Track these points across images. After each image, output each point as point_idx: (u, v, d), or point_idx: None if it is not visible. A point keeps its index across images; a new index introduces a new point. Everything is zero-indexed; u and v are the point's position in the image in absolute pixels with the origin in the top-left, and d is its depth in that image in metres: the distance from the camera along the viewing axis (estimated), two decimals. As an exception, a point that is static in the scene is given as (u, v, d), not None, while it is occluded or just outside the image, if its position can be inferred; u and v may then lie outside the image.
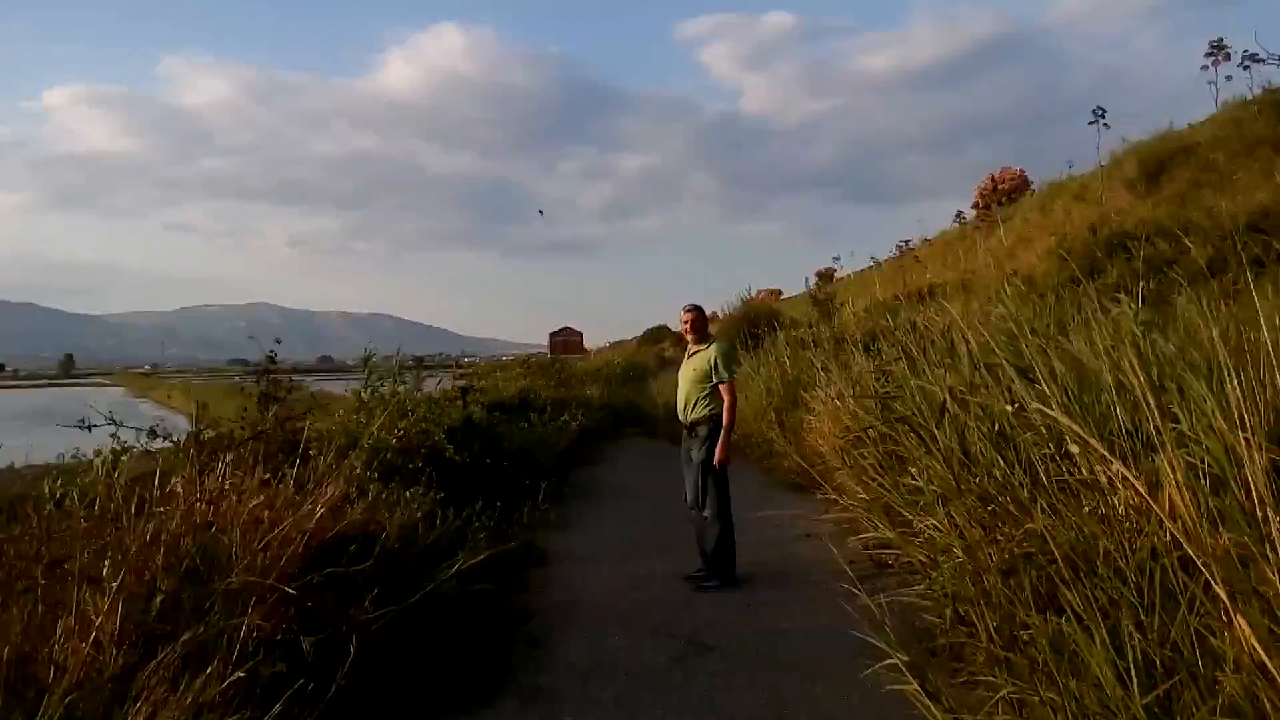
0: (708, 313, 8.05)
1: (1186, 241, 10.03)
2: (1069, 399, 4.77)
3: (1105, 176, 18.19)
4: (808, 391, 11.17)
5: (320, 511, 5.07)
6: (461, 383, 12.44)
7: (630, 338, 49.02)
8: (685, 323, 7.18)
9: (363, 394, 9.24)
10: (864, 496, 7.39)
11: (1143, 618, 3.22)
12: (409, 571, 5.24)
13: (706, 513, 6.74)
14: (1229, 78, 11.82)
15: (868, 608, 3.98)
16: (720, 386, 6.75)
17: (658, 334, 72.16)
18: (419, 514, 5.95)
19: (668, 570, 7.06)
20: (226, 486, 4.99)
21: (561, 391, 16.59)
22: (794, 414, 11.36)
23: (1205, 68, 12.29)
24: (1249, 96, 12.16)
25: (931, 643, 4.50)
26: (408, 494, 6.24)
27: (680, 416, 7.11)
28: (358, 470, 6.28)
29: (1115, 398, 4.21)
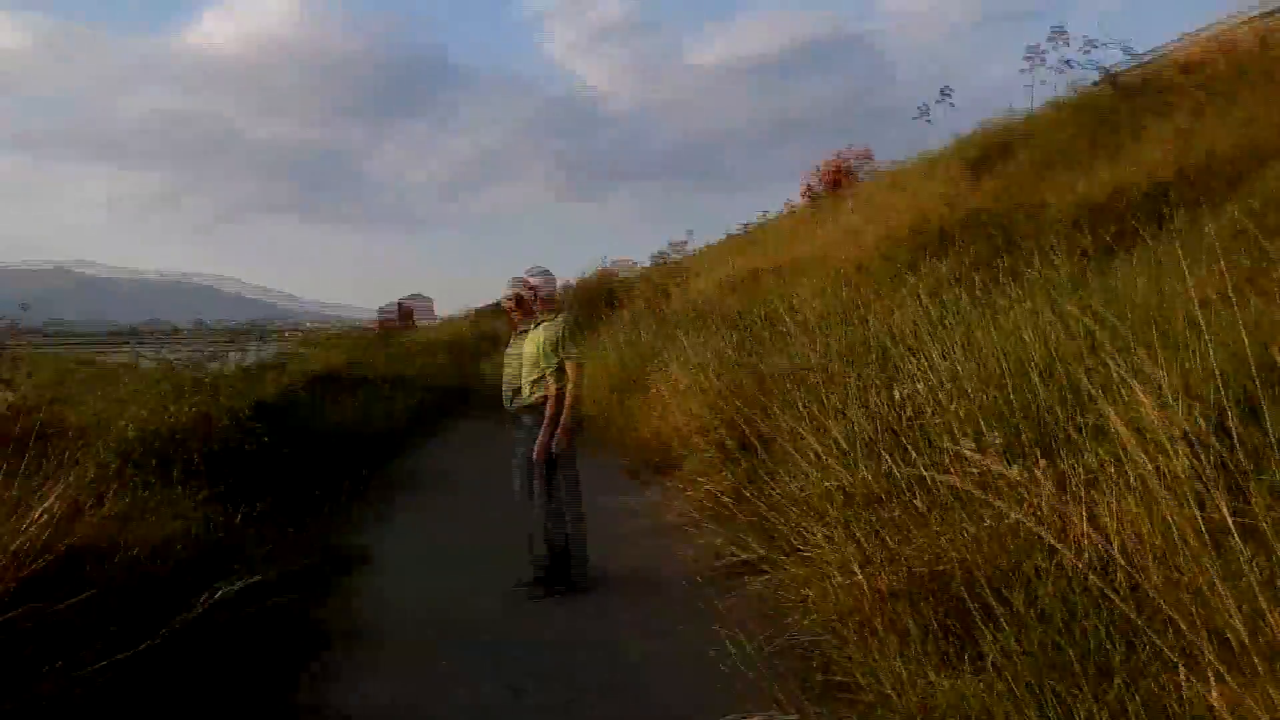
0: (557, 284, 6.96)
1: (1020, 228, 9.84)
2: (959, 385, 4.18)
3: (932, 167, 18.24)
4: (654, 370, 10.47)
5: (34, 525, 3.87)
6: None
7: (483, 305, 47.73)
8: (508, 300, 6.23)
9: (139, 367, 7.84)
10: (716, 487, 6.74)
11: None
12: (161, 597, 4.10)
13: (544, 511, 5.86)
14: (1057, 71, 12.00)
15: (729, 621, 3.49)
16: (569, 364, 5.84)
17: (487, 311, 70.93)
18: (179, 521, 4.77)
19: (498, 574, 6.14)
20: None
21: (389, 368, 15.32)
22: (638, 395, 10.63)
23: (1024, 70, 12.47)
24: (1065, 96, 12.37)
25: (813, 675, 3.75)
26: (174, 494, 5.05)
27: (505, 403, 6.18)
28: (109, 465, 5.01)
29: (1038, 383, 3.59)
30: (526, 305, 6.10)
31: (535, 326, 5.96)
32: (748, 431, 6.00)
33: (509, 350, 6.20)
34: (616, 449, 10.29)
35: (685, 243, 23.35)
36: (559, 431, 5.77)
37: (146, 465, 5.74)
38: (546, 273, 6.19)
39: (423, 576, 6.29)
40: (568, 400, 5.79)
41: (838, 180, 22.73)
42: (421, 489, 9.40)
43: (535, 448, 5.80)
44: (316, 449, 8.18)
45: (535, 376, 5.89)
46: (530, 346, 5.94)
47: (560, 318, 5.96)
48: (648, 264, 23.26)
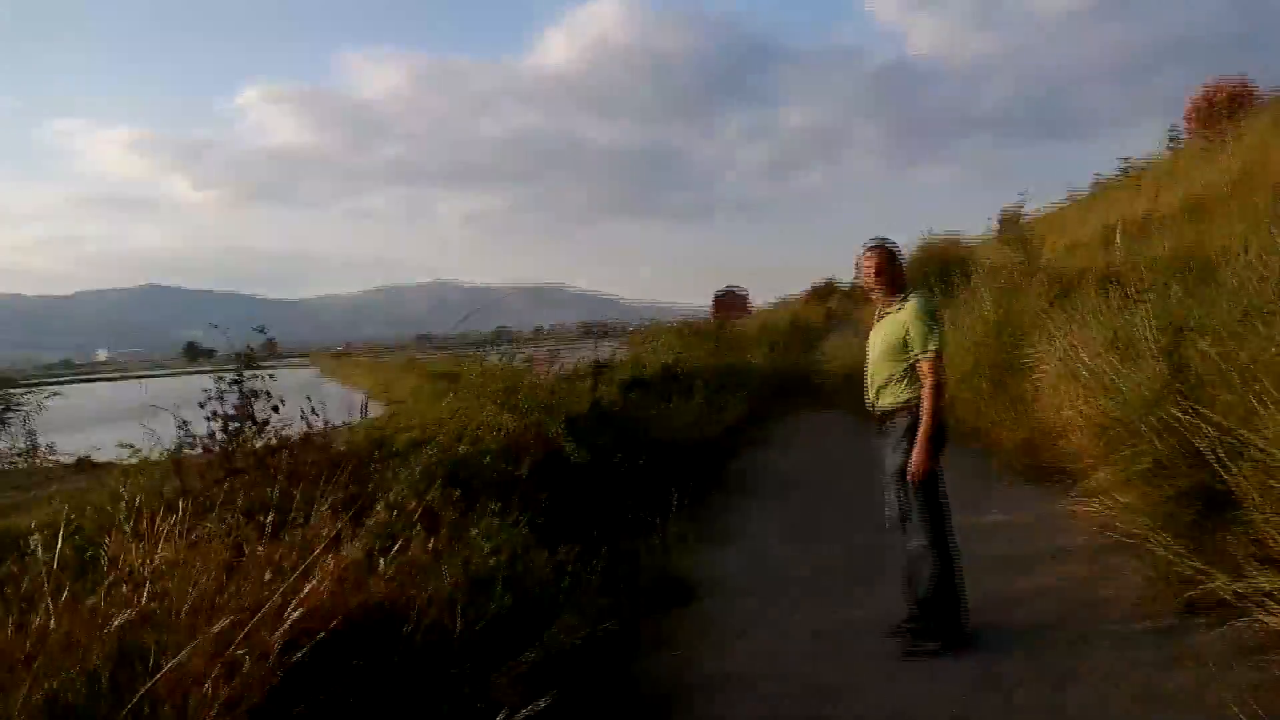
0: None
1: None
2: None
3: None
4: (1028, 348, 8.68)
5: (321, 584, 3.31)
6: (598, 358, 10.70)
7: (797, 294, 46.29)
8: (868, 268, 4.79)
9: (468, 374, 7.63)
10: (1138, 502, 5.11)
11: None
12: (448, 664, 3.40)
13: (914, 543, 4.59)
14: None
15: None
16: (921, 362, 4.53)
17: (823, 291, 68.56)
18: (494, 559, 4.12)
19: (864, 616, 4.98)
20: (177, 555, 3.31)
21: (721, 359, 14.48)
22: (1013, 378, 8.87)
23: None
24: None
25: None
26: (481, 527, 4.44)
27: (867, 403, 4.91)
28: (406, 499, 4.48)
29: None
30: (890, 276, 4.76)
31: (902, 304, 4.69)
32: (1209, 435, 4.31)
33: (870, 336, 4.94)
34: (981, 448, 8.67)
35: (1021, 206, 20.59)
36: (914, 450, 4.50)
37: (477, 484, 5.31)
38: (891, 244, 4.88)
39: (769, 619, 5.24)
40: (925, 406, 4.45)
41: (1232, 107, 18.98)
42: (761, 497, 8.35)
43: (894, 467, 4.56)
44: (651, 457, 7.50)
45: (888, 374, 4.65)
46: (885, 334, 4.70)
47: (914, 299, 4.64)
48: (986, 230, 20.76)
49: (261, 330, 6.46)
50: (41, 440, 19.41)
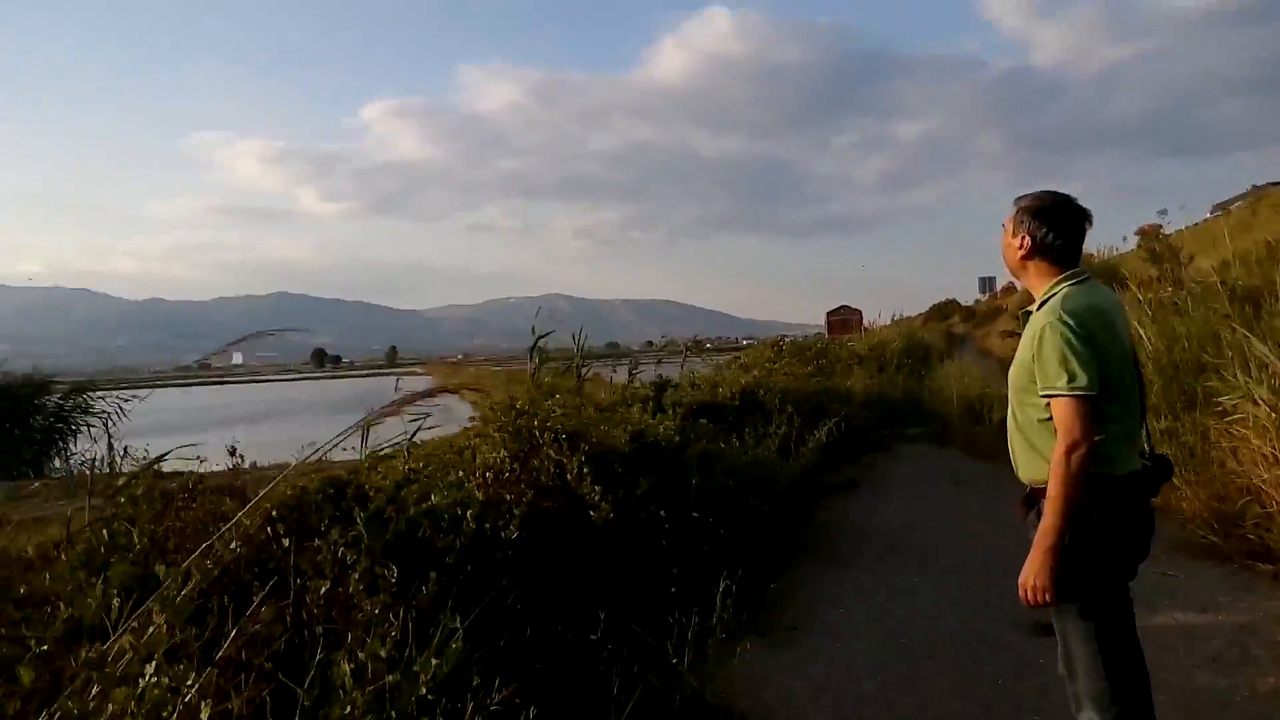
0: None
1: None
2: None
3: None
4: (1213, 380, 6.60)
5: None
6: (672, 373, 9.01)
7: (915, 315, 43.75)
8: (1008, 240, 2.94)
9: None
10: None
11: None
12: None
13: (1083, 716, 2.76)
14: None
15: None
16: (1054, 404, 2.64)
17: (944, 309, 64.80)
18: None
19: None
20: None
21: (821, 383, 12.52)
22: (1191, 418, 6.77)
23: None
24: None
25: None
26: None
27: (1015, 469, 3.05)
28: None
29: None
30: (1043, 249, 2.84)
31: (1038, 307, 2.88)
32: None
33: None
34: (1164, 508, 6.62)
35: (1159, 227, 18.08)
36: (1030, 562, 2.68)
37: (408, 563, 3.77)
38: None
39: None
40: (1055, 491, 2.58)
41: None
42: (850, 567, 6.34)
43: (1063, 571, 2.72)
44: (694, 511, 5.78)
45: (1022, 423, 2.84)
46: (1019, 354, 2.89)
47: (1059, 294, 2.80)
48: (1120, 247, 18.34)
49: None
50: (128, 445, 19.02)
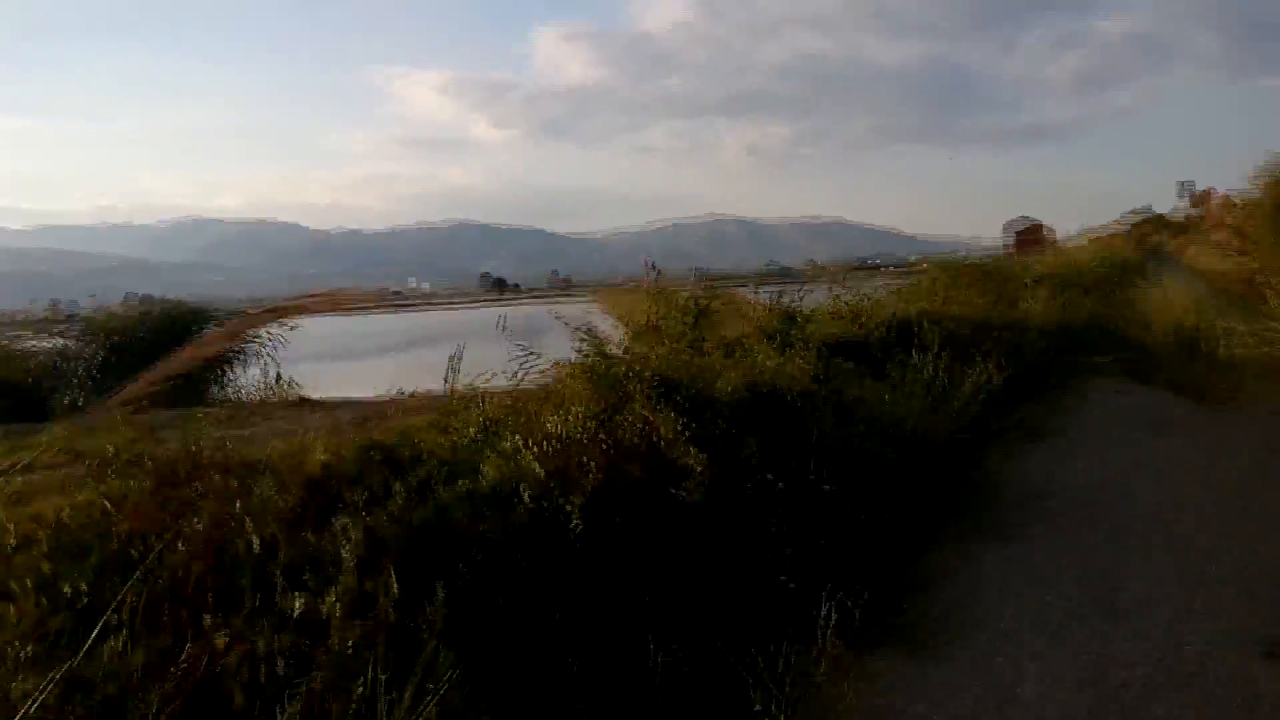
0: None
1: None
2: None
3: None
4: None
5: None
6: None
7: (1104, 226, 39.87)
8: None
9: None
10: None
11: None
12: None
13: None
14: None
15: None
16: None
17: (1145, 223, 58.78)
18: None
19: None
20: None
21: (990, 308, 10.87)
22: None
23: None
24: None
25: None
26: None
27: None
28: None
29: None
30: None
31: None
32: None
33: None
34: None
35: None
36: None
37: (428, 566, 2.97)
38: None
39: None
40: None
41: None
42: (1018, 541, 5.08)
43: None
44: (839, 470, 4.73)
45: None
46: None
47: None
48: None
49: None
50: (287, 373, 19.43)
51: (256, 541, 2.90)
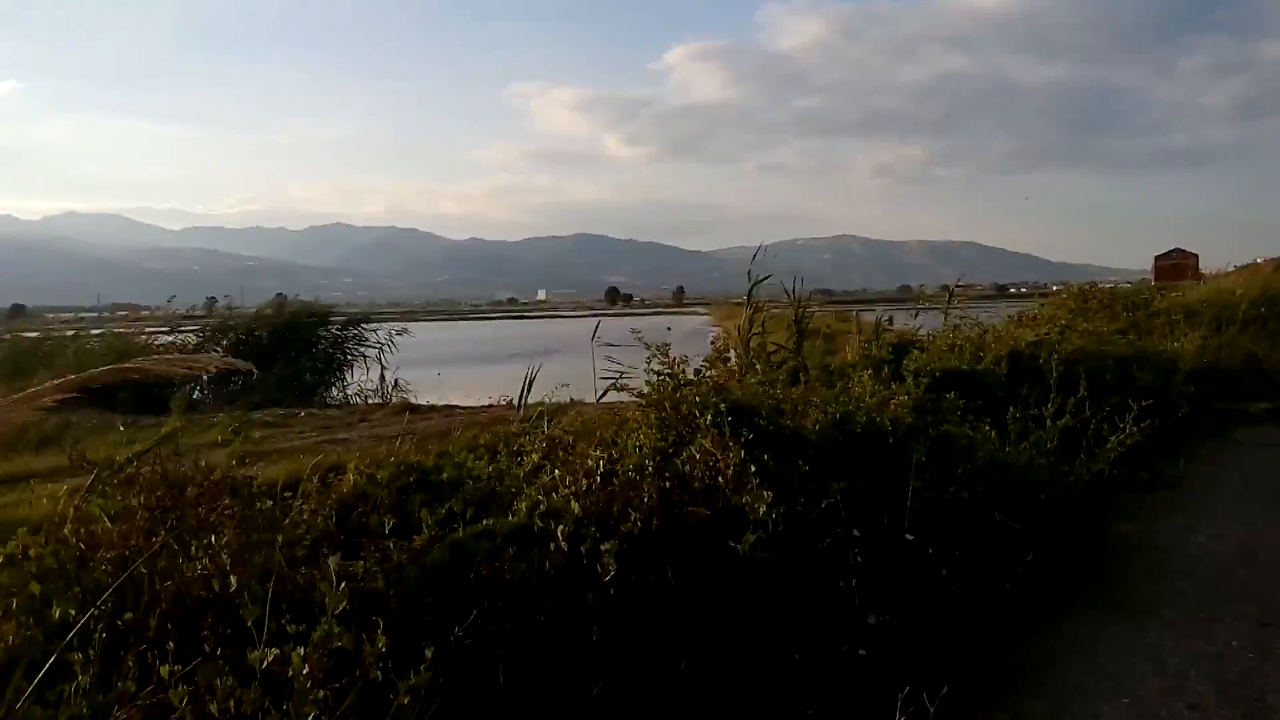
0: None
1: None
2: None
3: None
4: None
5: None
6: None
7: (1264, 259, 36.75)
8: None
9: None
10: None
11: None
12: None
13: None
14: None
15: None
16: None
17: (1310, 254, 54.21)
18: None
19: None
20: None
21: (1126, 344, 9.81)
22: None
23: None
24: None
25: None
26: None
27: None
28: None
29: None
30: None
31: None
32: None
33: None
34: None
35: None
36: None
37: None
38: None
39: None
40: None
41: None
42: (1157, 616, 4.31)
43: None
44: (942, 523, 4.12)
45: None
46: None
47: None
48: None
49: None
50: (400, 376, 19.70)
51: (234, 580, 2.55)
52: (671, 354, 4.78)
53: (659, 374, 4.44)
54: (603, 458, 3.55)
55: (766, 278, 8.07)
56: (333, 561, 2.48)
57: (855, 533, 3.77)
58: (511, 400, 8.63)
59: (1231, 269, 25.78)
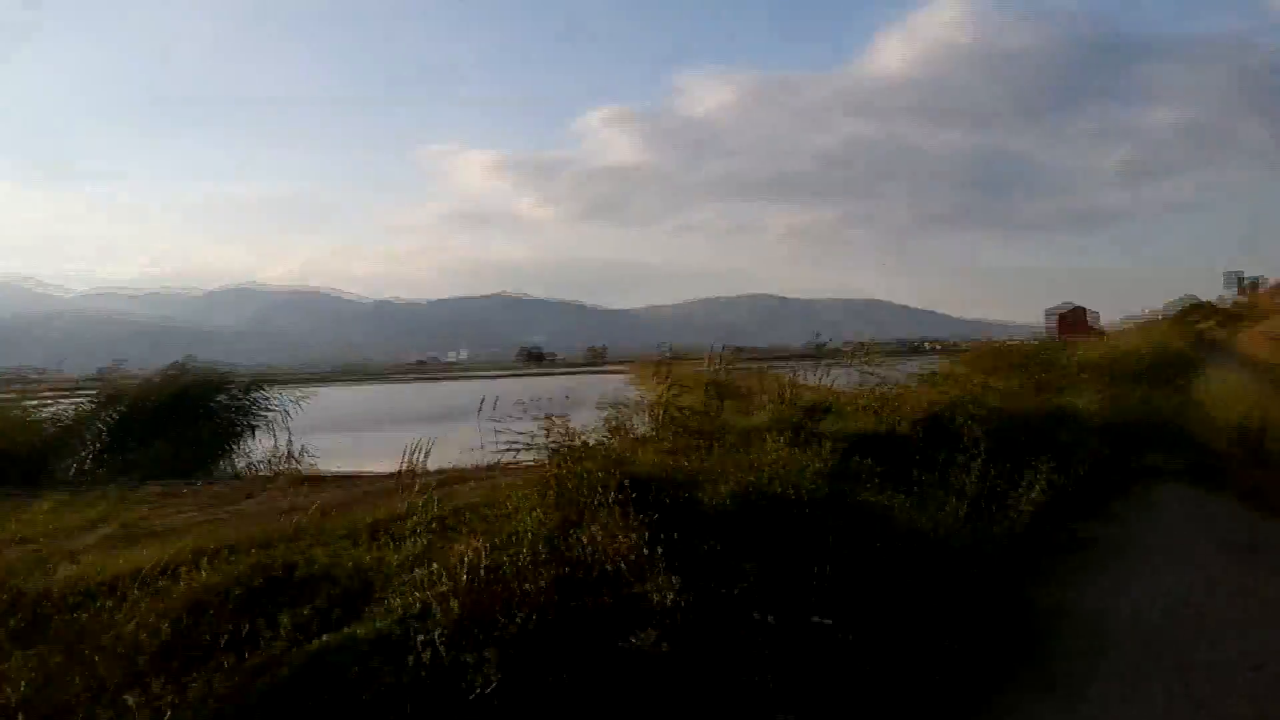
0: None
1: None
2: None
3: None
4: None
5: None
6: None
7: (1150, 312, 38.51)
8: None
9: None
10: None
11: None
12: None
13: None
14: None
15: None
16: None
17: (1193, 309, 56.90)
18: None
19: None
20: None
21: (1037, 401, 9.87)
22: None
23: None
24: None
25: None
26: None
27: None
28: None
29: None
30: None
31: None
32: None
33: None
34: None
35: None
36: None
37: None
38: None
39: None
40: None
41: None
42: (1086, 695, 4.06)
43: None
44: (830, 605, 3.81)
45: None
46: None
47: None
48: None
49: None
50: (305, 442, 18.73)
51: None
52: (574, 422, 4.47)
53: (555, 447, 4.09)
54: (484, 547, 3.16)
55: (676, 352, 7.83)
56: (131, 698, 2.03)
57: (770, 619, 3.46)
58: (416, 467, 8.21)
59: (1128, 323, 26.79)
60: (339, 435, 19.68)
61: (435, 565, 3.05)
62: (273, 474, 16.34)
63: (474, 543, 3.18)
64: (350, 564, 3.29)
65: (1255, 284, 64.14)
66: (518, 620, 2.82)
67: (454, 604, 2.82)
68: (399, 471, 11.02)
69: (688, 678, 3.12)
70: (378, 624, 2.77)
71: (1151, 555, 6.60)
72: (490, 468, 5.19)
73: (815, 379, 11.43)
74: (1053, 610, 5.27)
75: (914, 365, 16.36)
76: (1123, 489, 8.64)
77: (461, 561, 3.06)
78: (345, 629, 2.75)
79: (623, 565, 3.38)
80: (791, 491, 4.50)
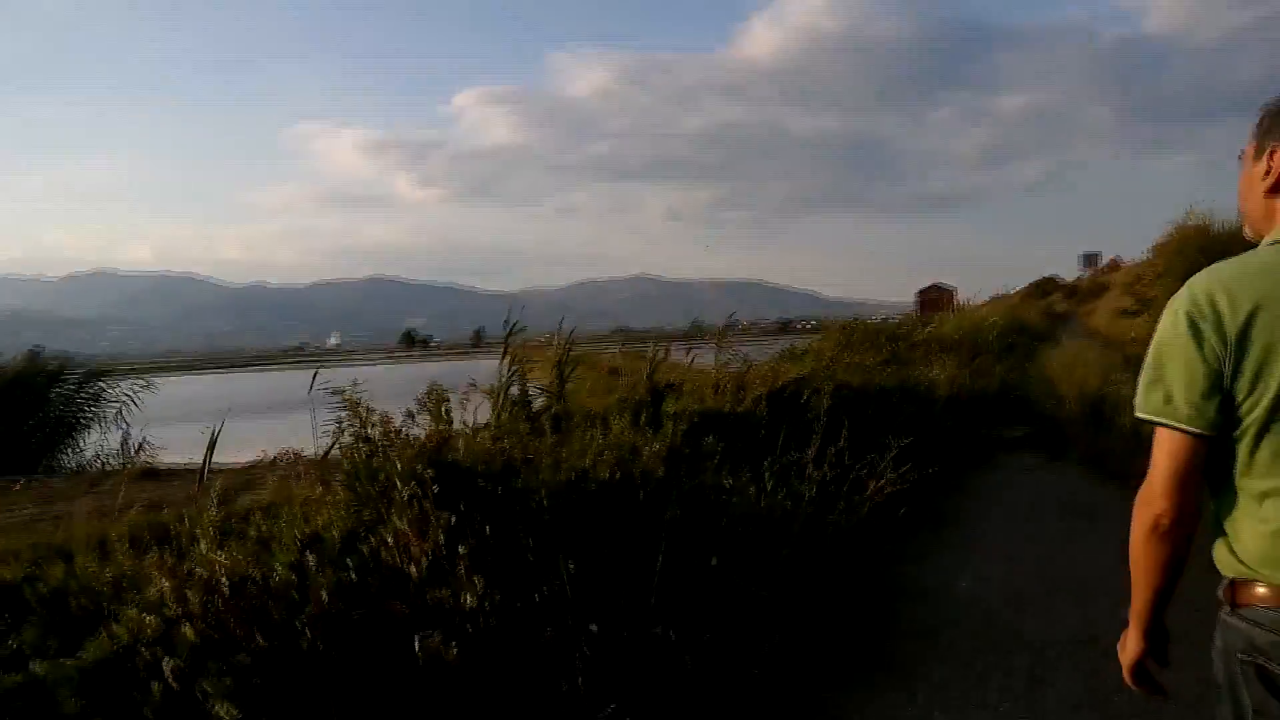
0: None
1: None
2: None
3: None
4: None
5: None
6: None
7: (1011, 291, 40.32)
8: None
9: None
10: None
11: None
12: None
13: None
14: None
15: None
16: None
17: (1045, 285, 59.85)
18: None
19: None
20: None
21: (889, 375, 9.95)
22: None
23: None
24: None
25: None
26: None
27: None
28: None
29: None
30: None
31: None
32: None
33: None
34: None
35: None
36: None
37: None
38: None
39: None
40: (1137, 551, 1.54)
41: None
42: (924, 683, 3.91)
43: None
44: (662, 610, 3.55)
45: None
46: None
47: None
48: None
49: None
50: (157, 435, 17.54)
51: None
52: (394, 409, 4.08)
53: (357, 438, 3.68)
54: (228, 561, 2.72)
55: (521, 326, 7.44)
56: None
57: (593, 628, 3.15)
58: (288, 453, 7.65)
59: (984, 299, 27.88)
60: (199, 426, 18.50)
61: (167, 584, 2.59)
62: (112, 469, 15.24)
63: (218, 557, 2.74)
64: (89, 581, 2.81)
65: (1099, 260, 68.53)
66: (263, 643, 2.42)
67: (187, 629, 2.39)
68: (268, 458, 10.33)
69: (484, 686, 2.79)
70: (96, 654, 2.32)
71: (994, 529, 6.65)
72: (311, 461, 4.71)
73: (684, 360, 11.23)
74: (895, 590, 5.19)
75: (784, 344, 16.44)
76: (972, 462, 8.78)
77: (210, 575, 2.63)
78: (63, 659, 2.29)
79: (417, 568, 3.02)
80: (620, 475, 4.21)
